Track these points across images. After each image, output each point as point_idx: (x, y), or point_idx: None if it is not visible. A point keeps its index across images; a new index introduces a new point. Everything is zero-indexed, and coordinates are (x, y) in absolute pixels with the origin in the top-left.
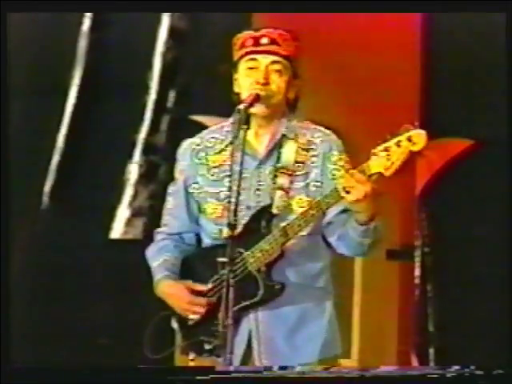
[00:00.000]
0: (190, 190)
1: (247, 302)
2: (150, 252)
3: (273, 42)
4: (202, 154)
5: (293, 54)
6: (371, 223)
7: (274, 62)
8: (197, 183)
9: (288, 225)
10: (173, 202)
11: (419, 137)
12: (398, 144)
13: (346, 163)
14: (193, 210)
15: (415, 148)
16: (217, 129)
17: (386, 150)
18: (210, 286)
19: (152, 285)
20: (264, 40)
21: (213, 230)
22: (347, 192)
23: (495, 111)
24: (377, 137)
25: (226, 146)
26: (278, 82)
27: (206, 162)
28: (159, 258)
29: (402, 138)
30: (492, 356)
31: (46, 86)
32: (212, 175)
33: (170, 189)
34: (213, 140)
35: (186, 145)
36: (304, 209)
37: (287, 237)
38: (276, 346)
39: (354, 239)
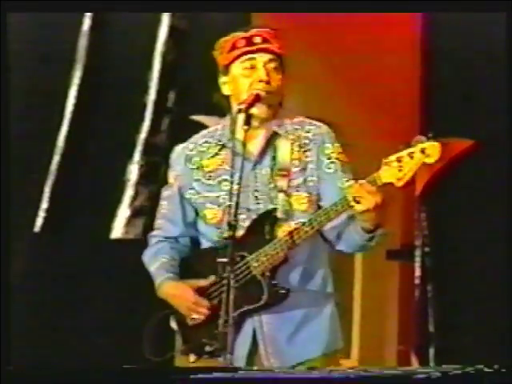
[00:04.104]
0: (187, 196)
1: (251, 306)
2: (147, 256)
3: (265, 40)
4: (196, 159)
5: (282, 52)
6: (377, 231)
7: (270, 60)
8: (193, 189)
9: (295, 230)
10: (167, 206)
11: (433, 149)
12: (410, 155)
13: (339, 154)
14: (188, 216)
15: (429, 160)
16: (209, 132)
17: (399, 160)
18: (212, 279)
19: (152, 285)
20: (257, 39)
21: (214, 234)
22: (357, 202)
23: (495, 111)
24: (376, 136)
25: (220, 150)
26: (276, 80)
27: (200, 166)
28: (156, 261)
29: (416, 149)
30: (492, 356)
31: (46, 86)
32: (208, 179)
33: (164, 193)
34: (206, 144)
35: (179, 150)
36: (312, 215)
37: (293, 242)
38: (280, 346)
39: (358, 242)
